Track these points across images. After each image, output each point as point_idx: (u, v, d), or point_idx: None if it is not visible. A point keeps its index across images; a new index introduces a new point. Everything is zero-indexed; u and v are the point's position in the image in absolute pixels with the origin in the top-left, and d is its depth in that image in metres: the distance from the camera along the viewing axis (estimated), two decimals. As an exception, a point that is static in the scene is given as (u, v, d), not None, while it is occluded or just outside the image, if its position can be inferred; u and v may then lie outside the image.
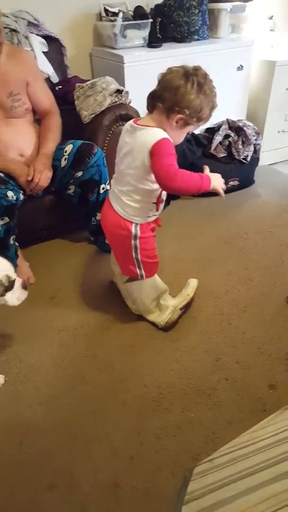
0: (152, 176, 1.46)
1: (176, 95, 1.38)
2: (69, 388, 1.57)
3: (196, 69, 1.42)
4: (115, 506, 1.22)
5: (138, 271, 1.69)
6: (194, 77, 1.39)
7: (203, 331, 1.78)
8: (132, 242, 1.62)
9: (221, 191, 1.55)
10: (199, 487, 1.26)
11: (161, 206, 1.64)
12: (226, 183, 2.81)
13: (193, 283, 1.90)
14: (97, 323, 1.85)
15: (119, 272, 1.79)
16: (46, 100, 2.15)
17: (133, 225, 1.60)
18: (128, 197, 1.56)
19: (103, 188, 2.10)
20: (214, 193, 2.89)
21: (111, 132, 2.24)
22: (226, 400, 1.50)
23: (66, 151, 2.07)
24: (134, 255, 1.65)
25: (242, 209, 2.71)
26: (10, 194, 1.85)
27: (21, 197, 1.96)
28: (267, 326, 1.80)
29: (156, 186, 1.51)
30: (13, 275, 1.48)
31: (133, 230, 1.60)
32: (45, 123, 2.13)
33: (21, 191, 1.97)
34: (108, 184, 2.10)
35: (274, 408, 1.44)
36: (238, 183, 2.87)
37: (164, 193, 1.60)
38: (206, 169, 1.59)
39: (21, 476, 1.30)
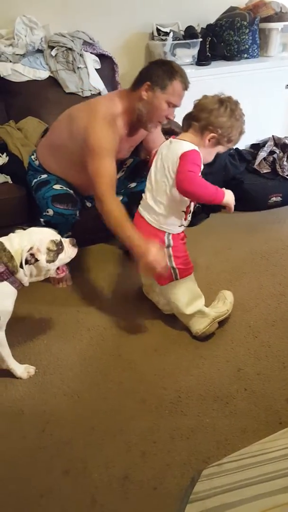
0: None
1: (210, 116, 1.57)
2: (92, 383, 1.65)
3: (229, 97, 1.61)
4: (123, 498, 1.28)
5: (174, 277, 1.75)
6: (228, 103, 1.59)
7: (227, 341, 1.81)
8: (165, 251, 1.70)
9: (232, 207, 1.67)
10: (205, 488, 1.29)
11: (189, 216, 1.72)
12: (268, 198, 2.85)
13: (230, 297, 1.91)
14: (125, 325, 1.93)
15: (150, 284, 1.89)
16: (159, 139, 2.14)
17: (166, 234, 1.70)
18: (161, 205, 1.67)
19: None
20: (254, 208, 2.92)
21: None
22: (243, 410, 1.51)
23: (126, 164, 2.19)
24: (169, 263, 1.72)
25: (283, 225, 2.70)
26: (77, 213, 2.01)
27: None
28: (294, 342, 1.79)
29: None
30: (57, 237, 1.58)
31: (166, 240, 1.70)
32: None
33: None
34: None
35: (290, 422, 1.45)
36: (281, 199, 2.85)
37: (192, 204, 1.69)
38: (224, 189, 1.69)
39: (39, 460, 1.40)
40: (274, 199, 2.84)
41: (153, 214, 1.70)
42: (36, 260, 1.51)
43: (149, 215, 1.72)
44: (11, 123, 2.52)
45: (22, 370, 1.68)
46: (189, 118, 1.63)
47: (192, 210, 1.72)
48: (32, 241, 1.50)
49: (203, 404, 1.54)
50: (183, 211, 1.68)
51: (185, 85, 1.82)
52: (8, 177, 2.27)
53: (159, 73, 1.78)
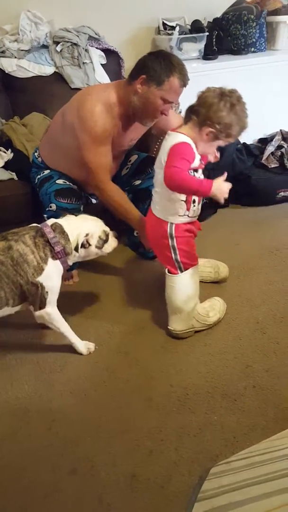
0: None
1: (209, 111, 1.52)
2: (99, 381, 1.64)
3: (232, 91, 1.56)
4: (130, 497, 1.26)
5: (178, 270, 1.73)
6: (228, 97, 1.53)
7: (235, 338, 1.79)
8: (169, 242, 1.69)
9: (221, 199, 1.58)
10: (213, 487, 1.27)
11: (194, 206, 1.68)
12: (276, 193, 2.82)
13: (220, 306, 1.87)
14: (132, 322, 1.92)
15: None
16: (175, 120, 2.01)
17: (168, 224, 1.69)
18: (161, 196, 1.67)
19: None
20: (262, 203, 2.88)
21: (159, 140, 2.31)
22: (251, 407, 1.49)
23: (130, 161, 2.16)
24: (173, 256, 1.71)
25: (291, 220, 2.67)
26: (81, 207, 1.99)
27: None
28: (303, 338, 1.76)
29: None
30: (107, 228, 1.74)
31: (168, 229, 1.69)
32: None
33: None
34: None
35: (299, 419, 1.42)
36: (289, 194, 2.82)
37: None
38: (222, 177, 1.63)
39: (46, 459, 1.38)
40: (282, 194, 2.80)
41: (156, 205, 1.72)
42: (89, 245, 1.67)
43: (154, 206, 1.74)
44: (16, 119, 2.51)
45: (83, 346, 1.74)
46: (191, 112, 1.60)
47: (196, 200, 1.67)
48: (88, 228, 1.67)
49: (211, 402, 1.52)
50: (182, 201, 1.64)
51: (184, 82, 1.76)
52: (14, 173, 2.26)
53: (157, 67, 1.73)
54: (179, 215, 1.67)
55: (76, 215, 1.72)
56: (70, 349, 1.77)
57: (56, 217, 1.88)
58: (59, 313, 1.68)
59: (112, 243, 1.77)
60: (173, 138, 1.58)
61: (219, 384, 1.59)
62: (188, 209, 1.67)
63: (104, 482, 1.30)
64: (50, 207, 1.91)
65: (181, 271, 1.73)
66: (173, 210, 1.67)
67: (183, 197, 1.63)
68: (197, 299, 1.80)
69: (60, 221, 1.66)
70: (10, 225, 2.14)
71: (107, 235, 1.73)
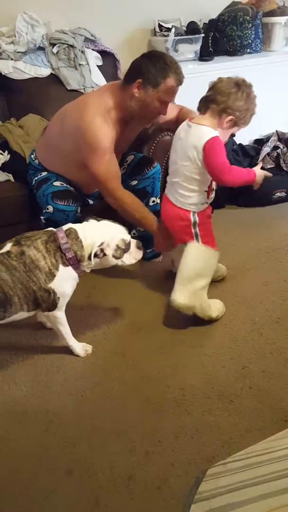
0: (204, 168, 1.66)
1: (229, 100, 1.62)
2: (95, 382, 1.64)
3: (244, 80, 1.67)
4: (127, 498, 1.26)
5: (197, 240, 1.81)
6: (244, 87, 1.65)
7: (232, 339, 1.79)
8: (193, 230, 1.78)
9: (257, 185, 1.78)
10: (210, 488, 1.27)
11: (212, 194, 1.79)
12: (272, 194, 2.83)
13: (222, 308, 1.91)
14: (128, 323, 1.92)
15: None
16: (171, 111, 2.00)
17: (191, 213, 1.77)
18: (184, 188, 1.75)
19: (153, 201, 2.16)
20: (258, 204, 2.89)
21: (156, 141, 2.31)
22: (248, 408, 1.50)
23: (126, 161, 2.17)
24: (196, 242, 1.80)
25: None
26: (78, 209, 1.99)
27: None
28: (299, 339, 1.77)
29: (206, 176, 1.70)
30: (128, 237, 1.66)
31: (191, 218, 1.79)
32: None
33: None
34: (158, 198, 2.17)
35: (295, 420, 1.43)
36: (285, 194, 2.83)
37: (214, 182, 1.76)
38: (259, 165, 1.80)
39: (43, 460, 1.39)
40: (278, 194, 2.81)
41: (177, 195, 1.78)
42: (104, 254, 1.58)
43: (173, 196, 1.80)
44: (12, 121, 2.51)
45: (80, 348, 1.74)
46: (207, 101, 1.66)
47: (214, 187, 1.79)
48: (104, 236, 1.58)
49: (207, 403, 1.53)
50: (205, 191, 1.75)
51: (179, 80, 1.78)
52: (10, 175, 2.25)
53: (152, 70, 1.74)
54: (202, 204, 1.77)
55: (98, 220, 1.65)
56: (67, 350, 1.77)
57: (53, 219, 1.87)
58: (65, 317, 1.68)
59: (135, 254, 1.69)
60: (200, 132, 1.64)
61: (216, 385, 1.59)
62: (208, 197, 1.78)
63: (100, 483, 1.31)
64: (47, 209, 1.91)
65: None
66: (197, 200, 1.75)
67: (205, 187, 1.73)
68: (207, 282, 1.82)
69: (76, 226, 1.59)
70: (7, 227, 2.16)
71: (127, 244, 1.64)
